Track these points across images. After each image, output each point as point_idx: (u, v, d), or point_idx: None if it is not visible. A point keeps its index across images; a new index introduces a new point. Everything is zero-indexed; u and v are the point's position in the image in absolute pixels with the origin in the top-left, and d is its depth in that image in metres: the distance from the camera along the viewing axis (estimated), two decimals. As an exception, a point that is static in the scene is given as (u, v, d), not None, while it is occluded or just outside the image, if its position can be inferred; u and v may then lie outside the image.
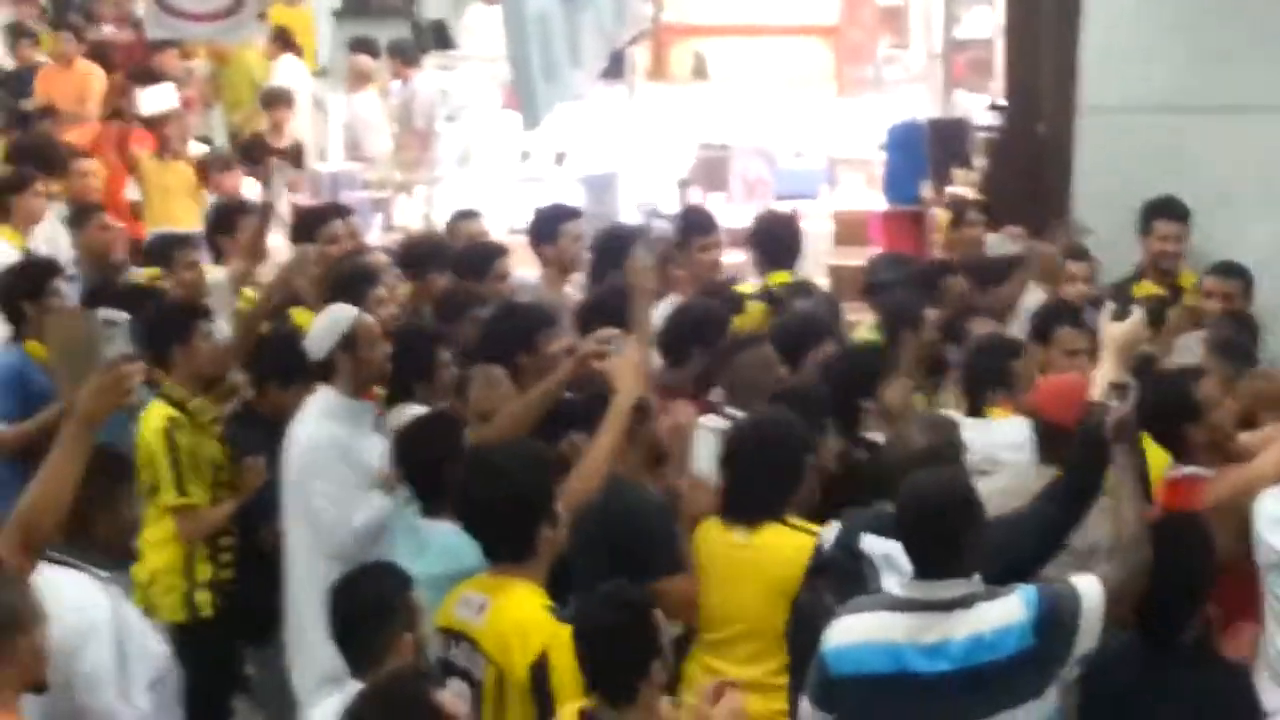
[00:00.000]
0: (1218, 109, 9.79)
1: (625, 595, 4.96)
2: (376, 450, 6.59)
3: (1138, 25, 9.82)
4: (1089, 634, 5.01)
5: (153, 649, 5.42)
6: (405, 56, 15.13)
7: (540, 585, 5.37)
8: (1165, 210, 9.00)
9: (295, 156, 13.20)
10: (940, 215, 10.69)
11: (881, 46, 16.56)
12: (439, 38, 16.55)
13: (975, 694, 4.94)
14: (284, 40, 16.45)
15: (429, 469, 6.11)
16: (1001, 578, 5.07)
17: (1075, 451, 5.42)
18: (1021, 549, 5.32)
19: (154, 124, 12.66)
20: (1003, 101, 12.00)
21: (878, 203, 12.62)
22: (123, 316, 5.12)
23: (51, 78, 15.57)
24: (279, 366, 7.29)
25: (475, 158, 13.42)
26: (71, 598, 5.17)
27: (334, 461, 6.59)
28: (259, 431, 7.17)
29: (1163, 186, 9.49)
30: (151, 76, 14.16)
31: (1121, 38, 9.86)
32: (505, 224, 11.95)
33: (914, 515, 5.05)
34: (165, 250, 8.89)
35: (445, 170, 13.53)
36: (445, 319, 7.87)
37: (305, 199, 12.09)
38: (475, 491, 5.46)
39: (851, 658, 5.04)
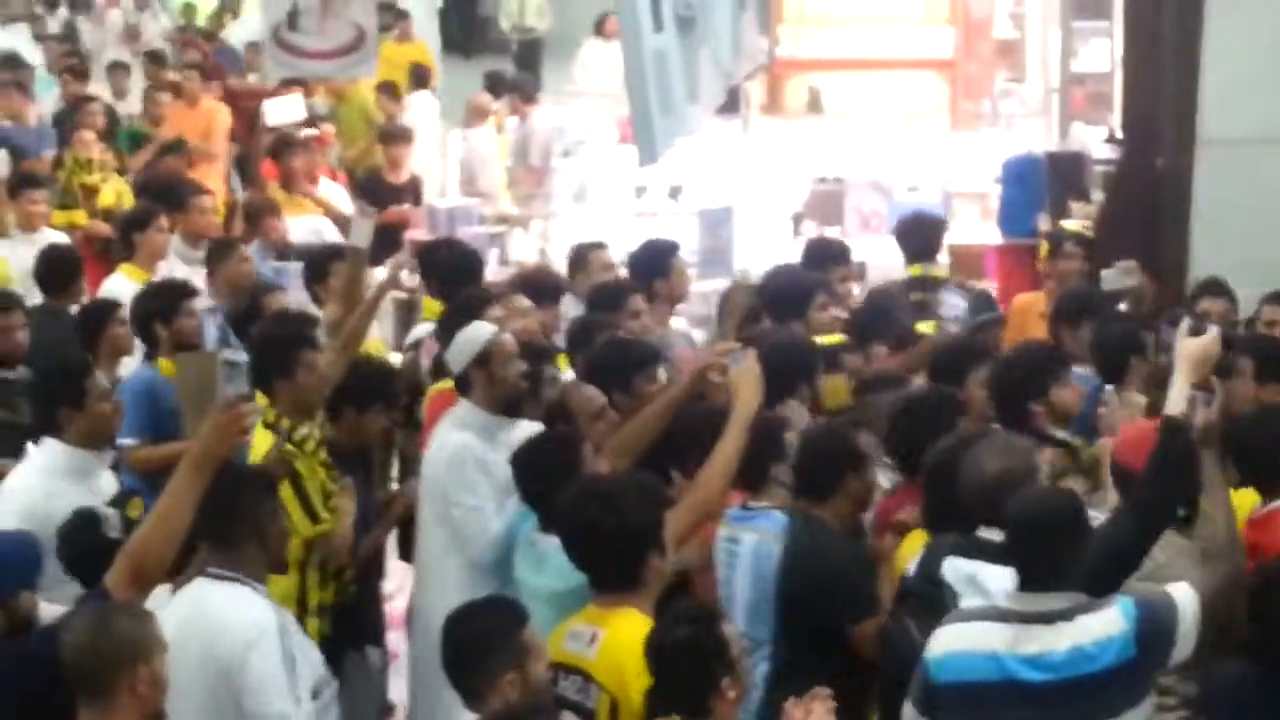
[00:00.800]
0: (1340, 141, 9.74)
1: (694, 610, 5.10)
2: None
3: (1259, 57, 9.78)
4: (1185, 642, 5.13)
5: (314, 657, 5.50)
6: (523, 92, 15.24)
7: (649, 614, 5.38)
8: None
9: (413, 192, 13.32)
10: (1041, 247, 10.58)
11: (998, 80, 16.50)
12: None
13: (1076, 704, 5.02)
14: (418, 77, 16.70)
15: (548, 486, 6.15)
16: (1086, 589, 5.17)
17: (1155, 462, 5.44)
18: (1102, 564, 5.30)
19: (279, 155, 12.78)
20: (1120, 134, 11.94)
21: (993, 236, 12.56)
22: (242, 357, 5.20)
23: (178, 115, 15.83)
24: (353, 392, 7.35)
25: (591, 192, 13.47)
26: (236, 611, 5.27)
27: (471, 472, 6.82)
28: (338, 460, 7.16)
29: (1283, 220, 9.44)
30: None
31: (1242, 70, 9.81)
32: (620, 258, 12.02)
33: (1022, 530, 5.17)
34: None
35: (560, 205, 13.60)
36: (575, 347, 7.94)
37: (423, 234, 12.20)
38: (583, 521, 5.49)
39: (954, 666, 5.14)
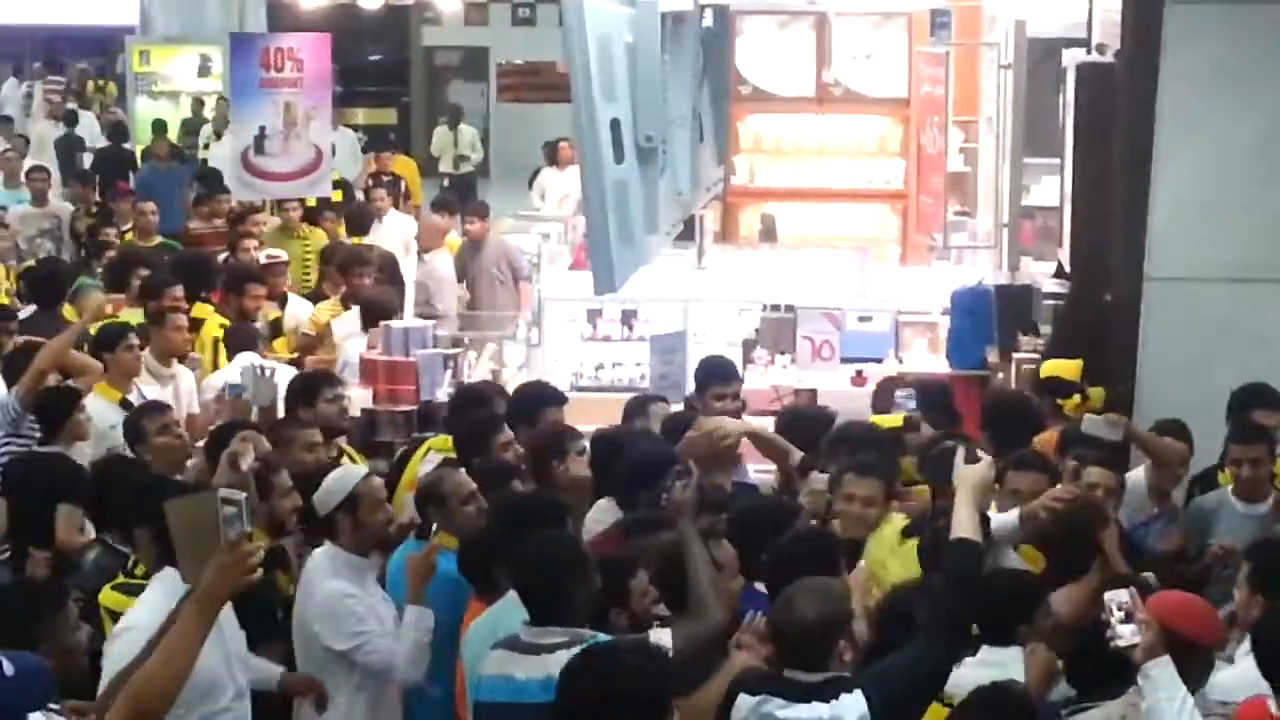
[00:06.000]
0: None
1: None
2: (383, 603, 7.06)
3: (1205, 195, 9.93)
4: None
5: None
6: (482, 215, 15.36)
7: None
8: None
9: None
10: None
11: (949, 213, 16.68)
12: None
13: None
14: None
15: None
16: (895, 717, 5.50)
17: (949, 583, 5.78)
18: (905, 686, 5.58)
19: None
20: (1069, 269, 12.09)
21: (942, 367, 12.67)
22: (240, 495, 5.09)
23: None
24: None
25: (545, 316, 13.56)
26: None
27: (354, 610, 6.92)
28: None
29: (1230, 357, 9.57)
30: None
31: (1189, 208, 9.96)
32: (570, 382, 12.16)
33: (526, 574, 6.00)
34: None
35: (514, 328, 13.68)
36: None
37: (377, 354, 12.22)
38: (574, 690, 4.95)
39: (485, 688, 5.91)
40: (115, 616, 6.74)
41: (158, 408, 9.17)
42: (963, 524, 5.75)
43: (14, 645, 5.27)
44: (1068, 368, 10.26)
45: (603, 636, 5.73)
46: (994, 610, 6.06)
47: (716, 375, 9.36)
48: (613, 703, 4.83)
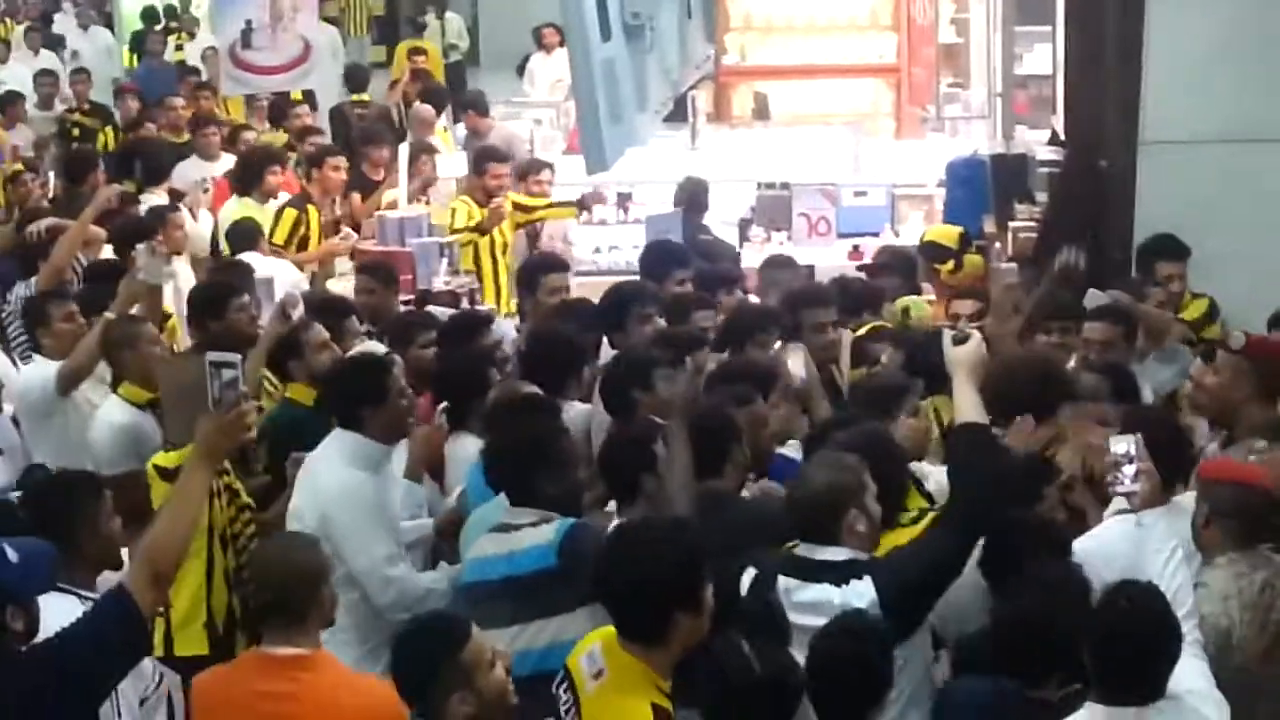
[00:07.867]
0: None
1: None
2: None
3: (1200, 58, 9.88)
4: None
5: (143, 668, 5.49)
6: (478, 107, 15.24)
7: (664, 672, 5.04)
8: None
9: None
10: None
11: (942, 85, 16.62)
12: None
13: (519, 599, 5.83)
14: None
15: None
16: (906, 604, 5.34)
17: (961, 470, 5.56)
18: (921, 575, 5.40)
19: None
20: (1064, 136, 12.05)
21: (940, 239, 12.63)
22: (235, 358, 5.17)
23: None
24: None
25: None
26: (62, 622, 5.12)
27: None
28: None
29: (1225, 218, 9.56)
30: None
31: (1184, 71, 9.91)
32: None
33: (501, 456, 6.20)
34: None
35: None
36: None
37: (372, 244, 12.21)
38: (609, 568, 5.15)
39: (467, 570, 6.13)
40: (163, 474, 6.71)
41: (62, 295, 9.10)
42: (966, 408, 5.58)
43: (54, 535, 5.52)
44: (947, 234, 10.36)
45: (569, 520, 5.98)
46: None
47: (670, 261, 9.38)
48: (647, 569, 5.00)
